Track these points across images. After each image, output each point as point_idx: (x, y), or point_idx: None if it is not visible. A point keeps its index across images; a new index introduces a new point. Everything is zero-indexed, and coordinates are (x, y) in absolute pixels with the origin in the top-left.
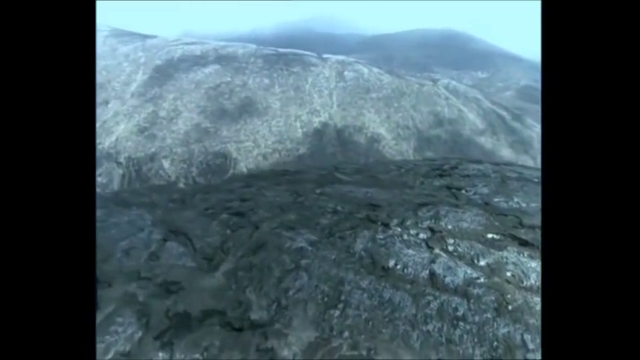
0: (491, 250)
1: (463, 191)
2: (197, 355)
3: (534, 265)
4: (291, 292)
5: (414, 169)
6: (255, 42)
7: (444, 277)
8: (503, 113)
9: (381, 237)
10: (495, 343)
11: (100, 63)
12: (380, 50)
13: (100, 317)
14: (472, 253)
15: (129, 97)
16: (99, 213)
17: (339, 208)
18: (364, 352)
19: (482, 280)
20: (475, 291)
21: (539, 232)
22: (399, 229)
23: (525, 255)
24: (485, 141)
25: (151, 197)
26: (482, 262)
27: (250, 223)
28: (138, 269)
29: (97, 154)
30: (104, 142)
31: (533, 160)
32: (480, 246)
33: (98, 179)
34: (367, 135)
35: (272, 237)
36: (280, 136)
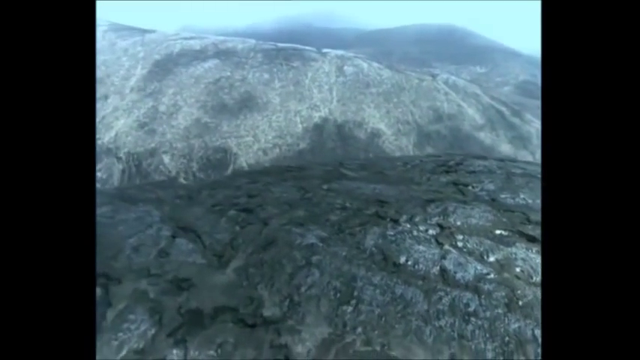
0: (500, 247)
1: (470, 187)
2: (211, 352)
3: None
4: (303, 289)
5: (420, 165)
6: (253, 37)
7: (455, 272)
8: (503, 109)
9: (391, 233)
10: (507, 339)
11: (99, 58)
12: (378, 45)
13: (111, 314)
14: (481, 249)
15: (128, 92)
16: (105, 209)
17: (347, 204)
18: (378, 348)
19: (492, 275)
20: (486, 287)
21: None
22: (408, 226)
23: (534, 251)
24: (485, 136)
25: (156, 193)
26: (491, 258)
27: (259, 220)
28: (148, 266)
29: (97, 149)
30: (104, 137)
31: (532, 156)
32: (489, 242)
33: (98, 174)
34: (367, 130)
35: (282, 233)
36: (280, 131)
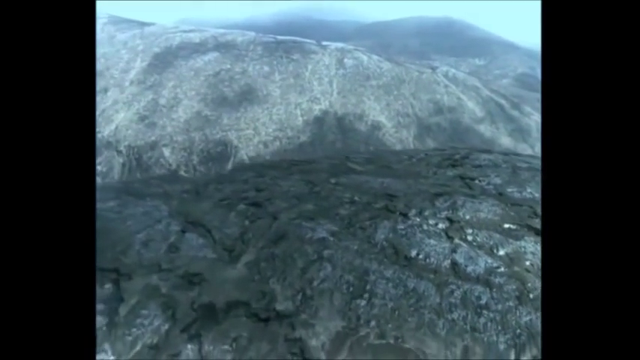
0: (510, 240)
1: (476, 181)
2: (226, 347)
3: None
4: (315, 283)
5: (426, 158)
6: (252, 30)
7: (466, 266)
8: (502, 101)
9: (402, 227)
10: (518, 331)
11: (98, 51)
12: (377, 37)
13: (124, 310)
14: (491, 242)
15: (128, 85)
16: (112, 204)
17: (356, 198)
18: (392, 341)
19: (502, 269)
20: (496, 280)
21: None
22: (418, 220)
23: None
24: (485, 129)
25: (162, 187)
26: (501, 252)
27: (268, 214)
28: (158, 261)
29: (97, 142)
30: (104, 130)
31: (531, 149)
32: (498, 236)
33: (98, 168)
34: (367, 123)
35: (292, 227)
36: (281, 124)
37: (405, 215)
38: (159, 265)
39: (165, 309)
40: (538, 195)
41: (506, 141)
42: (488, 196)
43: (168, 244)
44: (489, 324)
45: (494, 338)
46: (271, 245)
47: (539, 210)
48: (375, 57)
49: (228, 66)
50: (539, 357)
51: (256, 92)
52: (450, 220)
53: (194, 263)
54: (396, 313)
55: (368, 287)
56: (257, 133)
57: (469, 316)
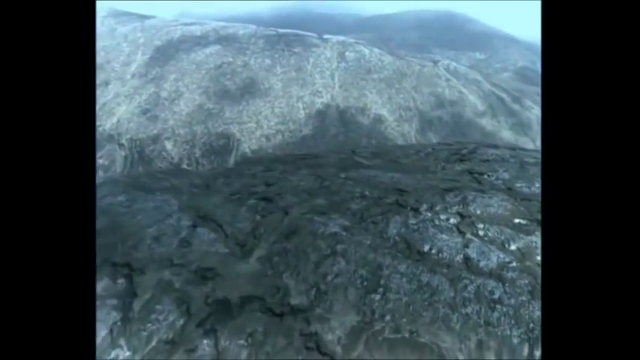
0: (520, 235)
1: (485, 176)
2: (242, 342)
3: None
4: (329, 277)
5: (433, 153)
6: (251, 22)
7: (478, 261)
8: (503, 95)
9: (413, 222)
10: (532, 325)
11: (99, 44)
12: (377, 31)
13: (138, 305)
14: (502, 237)
15: (129, 78)
16: (121, 198)
17: (366, 192)
18: (407, 335)
19: (514, 264)
20: (509, 274)
21: None
22: (429, 214)
23: None
24: (486, 123)
25: (170, 181)
26: (512, 247)
27: (279, 209)
28: (170, 256)
29: (99, 136)
30: (105, 123)
31: (532, 143)
32: (509, 231)
33: (100, 161)
34: (369, 116)
35: (304, 222)
36: (283, 117)
37: (416, 210)
38: (171, 260)
39: (180, 304)
40: None
41: (507, 134)
42: (498, 191)
43: (180, 238)
44: (503, 318)
45: (508, 332)
46: (283, 240)
47: None
48: (376, 50)
49: (230, 59)
50: None
51: (258, 85)
52: (461, 215)
53: (206, 258)
54: (411, 307)
55: (382, 282)
56: (259, 126)
57: (483, 311)
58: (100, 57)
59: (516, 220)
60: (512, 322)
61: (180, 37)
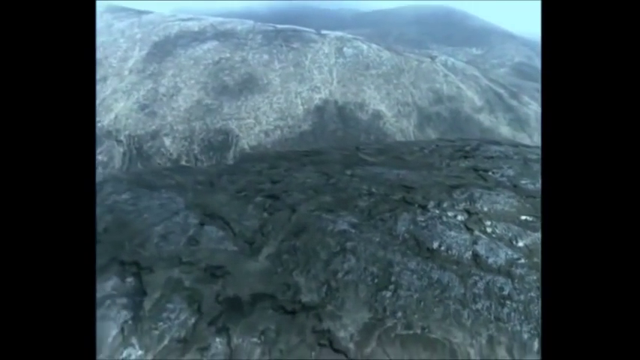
0: (527, 232)
1: (490, 173)
2: (254, 339)
3: None
4: (340, 275)
5: (437, 150)
6: (248, 17)
7: (487, 257)
8: (501, 91)
9: (421, 219)
10: (541, 320)
11: (96, 39)
12: (375, 26)
13: (148, 303)
14: (510, 234)
15: (127, 74)
16: (126, 196)
17: (373, 189)
18: (418, 331)
19: (522, 260)
20: (518, 271)
21: None
22: (437, 211)
23: None
24: (484, 118)
25: (174, 179)
26: (520, 244)
27: (286, 206)
28: (178, 254)
29: (97, 132)
30: (103, 119)
31: (530, 138)
32: (516, 227)
33: (99, 157)
34: (368, 112)
35: (312, 220)
36: (281, 113)
37: (423, 207)
38: (179, 258)
39: (191, 302)
40: None
41: (505, 130)
42: (504, 188)
43: (188, 236)
44: (513, 314)
45: (518, 328)
46: (292, 237)
47: None
48: (374, 46)
49: (228, 54)
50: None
51: (256, 81)
52: (469, 212)
53: (215, 256)
54: (422, 304)
55: (393, 279)
56: (258, 122)
57: (493, 307)
58: (98, 53)
59: (523, 217)
60: (522, 317)
61: (177, 32)
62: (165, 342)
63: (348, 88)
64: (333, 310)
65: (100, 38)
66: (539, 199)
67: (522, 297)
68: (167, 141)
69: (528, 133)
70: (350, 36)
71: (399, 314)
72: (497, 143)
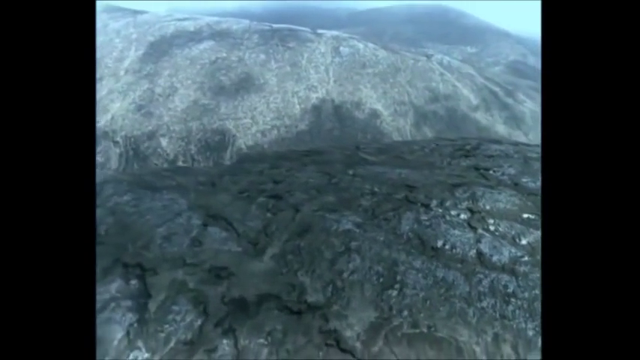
0: (530, 230)
1: (491, 172)
2: (261, 340)
3: None
4: (345, 274)
5: (437, 149)
6: (244, 16)
7: (491, 255)
8: (496, 89)
9: (425, 218)
10: None
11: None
12: (370, 25)
13: (153, 306)
14: (513, 232)
15: (123, 74)
16: (127, 198)
17: (376, 189)
18: (425, 330)
19: (526, 258)
20: (521, 269)
21: None
22: (440, 210)
23: None
24: (480, 117)
25: (175, 179)
26: (523, 241)
27: (289, 206)
28: (182, 255)
29: None
30: (100, 120)
31: (525, 136)
32: (519, 226)
33: (96, 158)
34: (365, 111)
35: (315, 219)
36: (278, 113)
37: (426, 206)
38: (183, 260)
39: (196, 304)
40: None
41: (501, 128)
42: (505, 186)
43: (191, 238)
44: (517, 311)
45: (523, 325)
46: (296, 238)
47: None
48: (370, 45)
49: (224, 54)
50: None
51: (253, 81)
52: (471, 211)
53: (219, 257)
54: (428, 302)
55: (398, 278)
56: (255, 122)
57: (498, 305)
58: None
59: (525, 215)
60: (527, 315)
61: (173, 32)
62: (172, 344)
63: (344, 87)
64: (339, 310)
65: (96, 38)
66: (540, 197)
67: (526, 294)
68: (164, 141)
69: (524, 130)
70: (346, 35)
71: (405, 313)
72: (497, 142)
